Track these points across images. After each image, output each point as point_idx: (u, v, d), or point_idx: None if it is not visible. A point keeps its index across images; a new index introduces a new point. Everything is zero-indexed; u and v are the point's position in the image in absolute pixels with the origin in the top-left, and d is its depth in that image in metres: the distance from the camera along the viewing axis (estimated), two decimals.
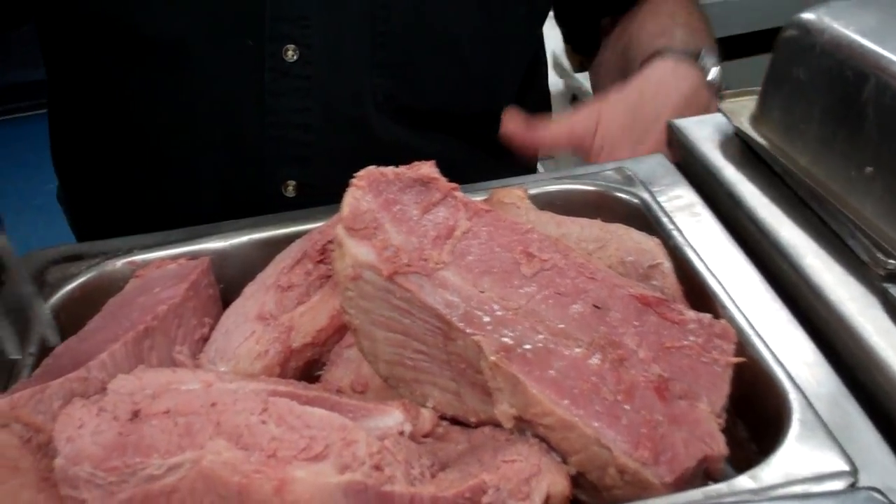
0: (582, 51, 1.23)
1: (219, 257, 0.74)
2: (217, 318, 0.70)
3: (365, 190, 0.58)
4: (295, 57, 0.89)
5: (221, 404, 0.50)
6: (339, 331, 0.68)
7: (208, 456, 0.48)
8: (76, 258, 0.75)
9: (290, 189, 0.94)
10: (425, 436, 0.57)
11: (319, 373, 0.67)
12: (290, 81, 0.90)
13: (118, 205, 1.01)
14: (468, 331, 0.55)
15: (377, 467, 0.50)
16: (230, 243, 0.76)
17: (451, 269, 0.57)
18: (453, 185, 0.60)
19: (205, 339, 0.68)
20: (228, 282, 0.74)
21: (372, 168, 0.59)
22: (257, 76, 0.90)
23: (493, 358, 0.54)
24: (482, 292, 0.56)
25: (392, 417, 0.55)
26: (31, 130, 4.06)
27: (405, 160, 0.95)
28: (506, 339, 0.55)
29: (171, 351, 0.64)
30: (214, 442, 0.48)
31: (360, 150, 0.92)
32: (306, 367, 0.68)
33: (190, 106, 0.92)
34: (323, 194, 0.92)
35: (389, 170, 0.59)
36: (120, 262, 0.75)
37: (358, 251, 0.56)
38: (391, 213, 0.57)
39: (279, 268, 0.70)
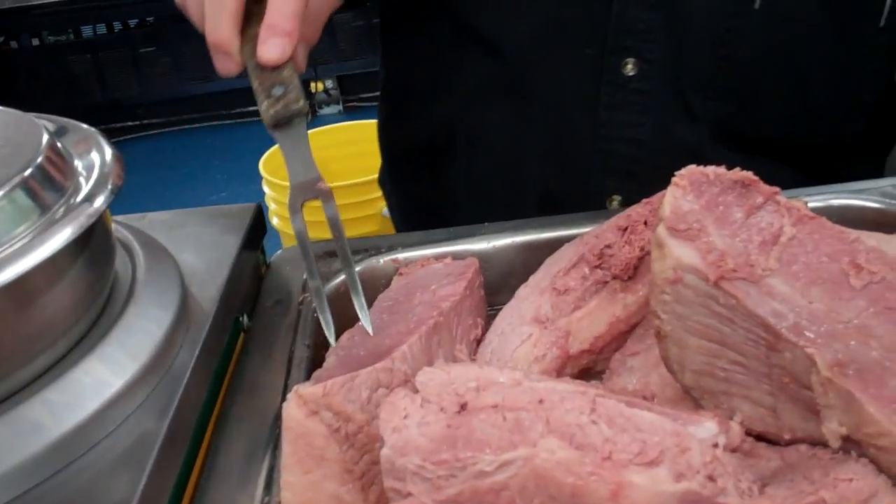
0: None
1: (480, 259, 0.72)
2: (486, 320, 0.69)
3: (686, 190, 0.55)
4: (634, 71, 0.86)
5: (549, 402, 0.48)
6: (616, 339, 0.65)
7: (541, 454, 0.46)
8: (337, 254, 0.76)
9: (615, 203, 0.92)
10: (733, 450, 0.54)
11: (594, 381, 0.65)
12: (626, 95, 0.88)
13: (436, 195, 1.01)
14: (800, 342, 0.51)
15: (710, 478, 0.47)
16: (492, 245, 0.75)
17: (779, 277, 0.53)
18: (775, 188, 0.56)
19: (478, 340, 0.67)
20: (488, 284, 0.72)
21: (693, 167, 0.56)
22: (593, 87, 0.88)
23: (826, 373, 0.50)
24: (811, 303, 0.53)
25: (705, 428, 0.52)
26: (195, 140, 4.24)
27: None
28: (839, 354, 0.51)
29: (454, 349, 0.63)
30: (547, 440, 0.46)
31: None
32: (580, 375, 0.65)
33: (523, 110, 0.91)
34: None
35: (711, 169, 0.56)
36: (383, 259, 0.74)
37: (681, 252, 0.53)
38: (714, 215, 0.54)
39: (553, 270, 0.68)
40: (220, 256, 0.72)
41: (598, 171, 0.91)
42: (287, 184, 1.83)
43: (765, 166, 0.89)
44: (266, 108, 0.65)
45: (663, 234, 0.54)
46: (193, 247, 0.73)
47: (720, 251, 0.53)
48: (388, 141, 1.11)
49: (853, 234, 0.56)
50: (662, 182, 0.88)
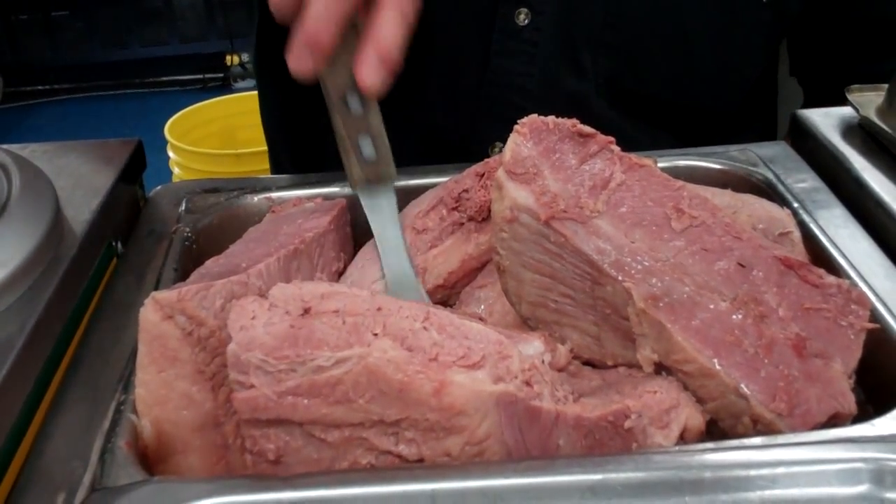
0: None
1: (351, 201, 0.76)
2: (351, 257, 0.73)
3: (526, 137, 0.60)
4: (526, 21, 0.89)
5: (386, 310, 0.53)
6: (468, 275, 0.70)
7: (374, 353, 0.50)
8: (215, 191, 0.79)
9: (497, 151, 0.94)
10: (560, 370, 0.59)
11: None
12: (517, 45, 0.90)
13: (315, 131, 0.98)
14: (619, 277, 0.56)
15: (528, 383, 0.52)
16: None
17: (605, 219, 0.58)
18: (610, 138, 0.61)
19: (340, 273, 0.71)
20: (360, 225, 0.76)
21: (534, 116, 0.61)
22: (485, 35, 0.90)
23: (641, 304, 0.56)
24: (633, 243, 0.58)
25: (533, 346, 0.57)
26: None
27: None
28: (654, 288, 0.56)
29: (313, 276, 0.66)
30: (381, 341, 0.50)
31: None
32: None
33: (414, 53, 0.91)
34: None
35: (550, 119, 0.61)
36: (257, 198, 0.78)
37: (517, 194, 0.58)
38: (550, 161, 0.59)
39: (414, 212, 0.72)
40: (96, 185, 0.74)
41: (485, 116, 0.94)
42: (192, 148, 1.84)
43: (645, 132, 0.93)
44: (354, 166, 0.67)
45: (502, 176, 0.59)
46: (72, 175, 0.75)
47: (553, 193, 0.58)
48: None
49: (679, 182, 0.62)
50: None
